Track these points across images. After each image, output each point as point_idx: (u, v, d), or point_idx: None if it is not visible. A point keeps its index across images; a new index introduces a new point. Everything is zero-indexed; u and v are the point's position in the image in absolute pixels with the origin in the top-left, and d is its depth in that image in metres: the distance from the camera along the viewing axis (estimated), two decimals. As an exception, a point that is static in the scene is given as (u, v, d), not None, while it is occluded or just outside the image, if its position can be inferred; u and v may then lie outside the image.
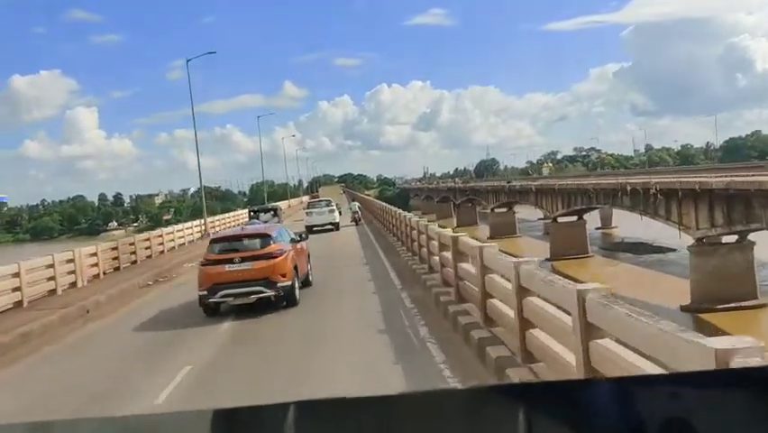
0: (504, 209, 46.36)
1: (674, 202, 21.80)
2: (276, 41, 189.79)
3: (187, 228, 29.08)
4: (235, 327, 10.29)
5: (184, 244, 26.80)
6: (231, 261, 10.77)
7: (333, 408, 0.74)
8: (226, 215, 40.14)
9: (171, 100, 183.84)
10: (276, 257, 10.89)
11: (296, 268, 11.33)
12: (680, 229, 22.02)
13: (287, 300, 10.93)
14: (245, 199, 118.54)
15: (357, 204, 34.60)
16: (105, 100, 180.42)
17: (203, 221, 30.11)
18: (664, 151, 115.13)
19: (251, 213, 29.16)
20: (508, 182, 49.03)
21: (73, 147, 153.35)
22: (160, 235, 24.89)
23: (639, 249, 33.79)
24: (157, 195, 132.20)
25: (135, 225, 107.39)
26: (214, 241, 11.97)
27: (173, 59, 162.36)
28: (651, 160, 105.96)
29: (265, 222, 23.62)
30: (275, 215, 28.20)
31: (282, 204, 62.18)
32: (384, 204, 30.96)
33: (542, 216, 61.50)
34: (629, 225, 35.63)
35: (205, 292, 10.73)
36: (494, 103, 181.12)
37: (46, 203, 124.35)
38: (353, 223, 29.57)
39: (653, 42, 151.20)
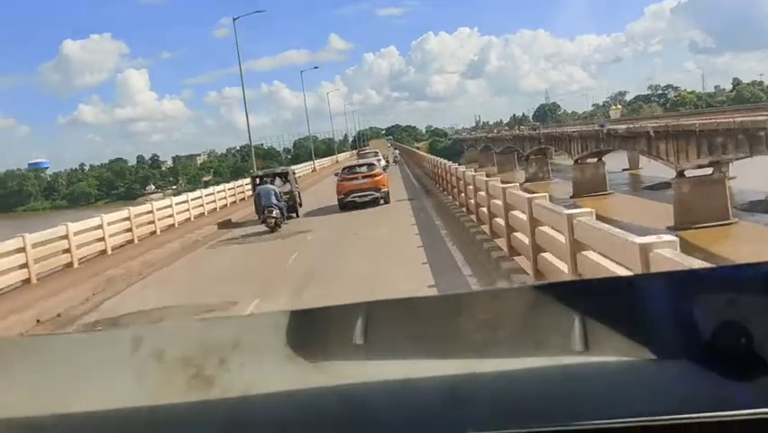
0: (593, 160, 40.59)
1: None
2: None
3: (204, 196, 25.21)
4: (347, 214, 19.85)
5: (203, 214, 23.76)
6: (356, 178, 20.77)
7: (403, 307, 0.83)
8: (239, 182, 31.95)
9: (219, 59, 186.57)
10: (378, 176, 21.02)
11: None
12: None
13: (384, 200, 20.74)
14: (289, 157, 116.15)
15: (398, 151, 57.75)
16: (154, 62, 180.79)
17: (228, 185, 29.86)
18: (755, 85, 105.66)
19: (256, 180, 20.87)
20: (601, 125, 42.62)
21: (126, 110, 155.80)
22: (169, 206, 21.30)
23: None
24: (198, 155, 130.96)
25: (174, 187, 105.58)
26: (344, 168, 22.60)
27: (219, 17, 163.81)
28: (740, 96, 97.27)
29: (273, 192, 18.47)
30: (285, 181, 20.33)
31: (311, 164, 58.22)
32: (435, 158, 26.88)
33: (627, 167, 56.55)
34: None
35: (342, 196, 20.61)
36: (544, 47, 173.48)
37: (85, 167, 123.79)
38: (394, 163, 47.47)
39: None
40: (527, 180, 47.70)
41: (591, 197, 35.98)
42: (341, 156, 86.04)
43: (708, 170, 26.10)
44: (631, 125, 37.37)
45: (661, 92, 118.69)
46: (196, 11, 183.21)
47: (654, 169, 36.08)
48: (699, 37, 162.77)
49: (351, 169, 21.90)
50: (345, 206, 20.20)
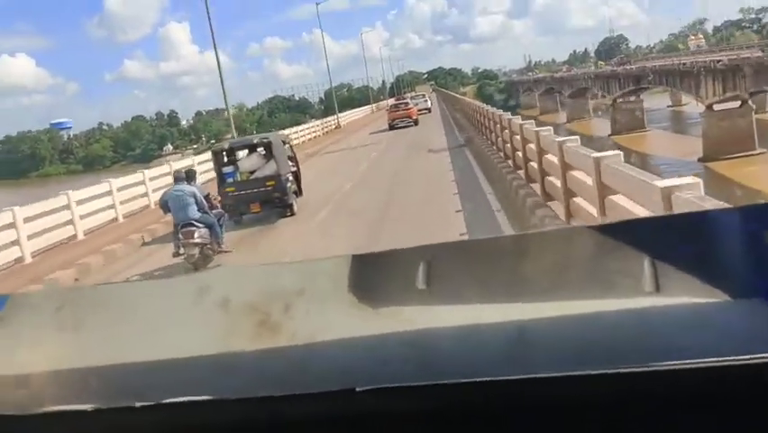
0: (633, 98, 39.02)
1: None
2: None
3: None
4: (395, 132, 35.53)
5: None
6: (398, 110, 40.98)
7: (467, 250, 0.89)
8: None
9: (258, 8, 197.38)
10: (411, 108, 40.71)
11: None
12: None
13: (415, 123, 38.67)
14: (322, 107, 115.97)
15: (428, 101, 56.48)
16: (195, 14, 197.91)
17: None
18: None
19: (221, 157, 14.28)
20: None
21: (170, 64, 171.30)
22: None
23: None
24: (225, 110, 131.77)
25: (195, 147, 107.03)
26: (391, 106, 44.34)
27: None
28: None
29: (249, 171, 13.91)
30: (268, 157, 14.09)
31: (335, 119, 49.77)
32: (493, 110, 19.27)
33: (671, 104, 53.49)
34: None
35: (390, 121, 39.29)
36: None
37: (104, 127, 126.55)
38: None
39: None
40: (615, 133, 41.97)
41: (631, 134, 39.76)
42: (381, 105, 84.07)
43: (736, 104, 26.29)
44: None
45: (754, 16, 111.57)
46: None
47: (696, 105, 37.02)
48: None
49: (396, 105, 43.10)
50: (393, 127, 38.34)
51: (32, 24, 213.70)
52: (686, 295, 0.74)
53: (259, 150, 14.71)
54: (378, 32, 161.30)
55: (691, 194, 4.07)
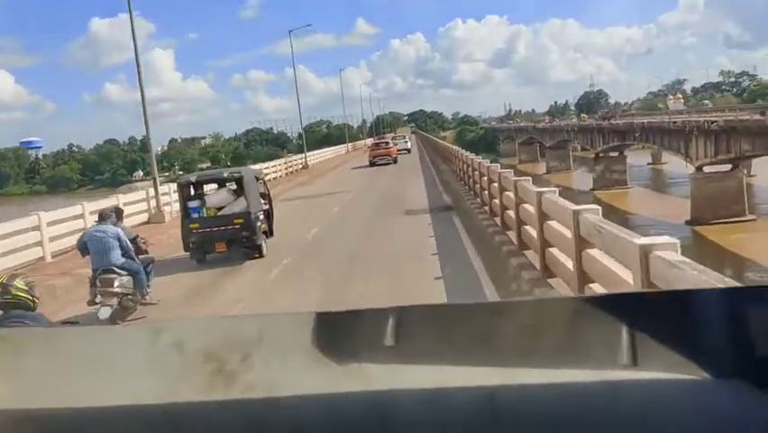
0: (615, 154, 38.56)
1: None
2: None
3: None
4: (374, 169, 39.16)
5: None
6: (379, 148, 44.93)
7: (437, 312, 0.86)
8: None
9: (244, 41, 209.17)
10: (391, 148, 44.98)
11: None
12: None
13: (394, 161, 42.44)
14: (300, 142, 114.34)
15: (408, 141, 62.66)
16: (181, 42, 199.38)
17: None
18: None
19: (188, 190, 13.10)
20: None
21: (150, 89, 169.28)
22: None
23: None
24: (204, 138, 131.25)
25: (167, 174, 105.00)
26: (373, 144, 49.82)
27: None
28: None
29: (216, 207, 12.72)
30: (239, 193, 13.00)
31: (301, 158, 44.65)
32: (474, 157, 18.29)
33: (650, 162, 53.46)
34: None
35: (371, 159, 42.87)
36: (574, 37, 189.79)
37: (74, 148, 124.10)
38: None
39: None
40: (597, 188, 41.24)
41: (613, 190, 39.34)
42: (357, 144, 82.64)
43: (727, 167, 25.07)
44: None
45: (734, 80, 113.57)
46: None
47: (679, 164, 36.98)
48: (735, 30, 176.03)
49: (377, 144, 47.22)
50: (373, 164, 41.55)
51: (17, 41, 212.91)
52: (664, 371, 0.73)
53: (228, 184, 13.61)
54: (361, 71, 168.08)
55: (669, 254, 4.01)
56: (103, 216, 9.37)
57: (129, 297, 9.02)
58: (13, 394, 0.81)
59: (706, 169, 28.02)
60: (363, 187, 27.80)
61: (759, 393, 0.70)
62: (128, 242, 9.14)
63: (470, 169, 17.84)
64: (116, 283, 8.84)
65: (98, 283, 8.83)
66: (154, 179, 20.51)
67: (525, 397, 0.73)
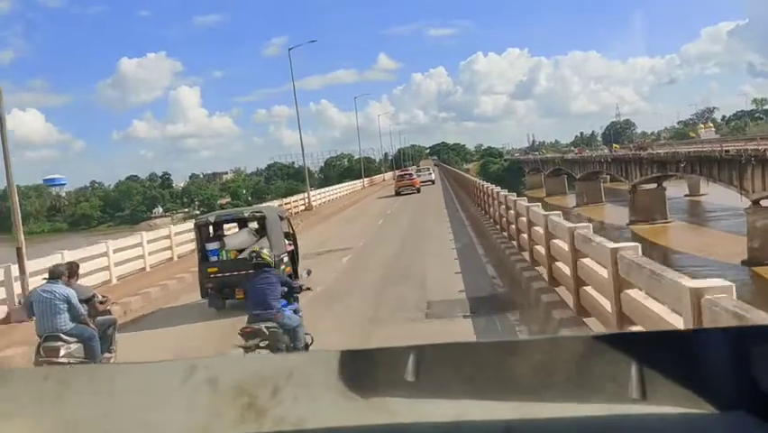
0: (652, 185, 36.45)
1: None
2: (371, 13, 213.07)
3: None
4: (391, 211, 32.12)
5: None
6: (404, 179, 50.14)
7: (455, 350, 0.89)
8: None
9: (269, 78, 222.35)
10: (415, 179, 50.46)
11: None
12: None
13: (417, 191, 46.90)
14: (322, 176, 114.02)
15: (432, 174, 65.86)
16: (206, 79, 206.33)
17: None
18: None
19: (206, 232, 12.22)
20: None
21: (177, 126, 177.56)
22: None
23: None
24: (225, 173, 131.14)
25: (186, 210, 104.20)
26: (399, 175, 55.03)
27: (270, 37, 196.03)
28: None
29: (237, 249, 11.62)
30: (261, 229, 12.13)
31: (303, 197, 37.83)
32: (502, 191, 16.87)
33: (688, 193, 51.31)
34: None
35: (397, 189, 47.81)
36: (595, 69, 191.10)
37: (96, 185, 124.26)
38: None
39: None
40: (634, 222, 38.79)
41: (652, 224, 36.78)
42: (375, 179, 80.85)
43: None
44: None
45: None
46: (248, 29, 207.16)
47: (720, 196, 36.08)
48: (758, 60, 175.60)
49: (401, 176, 51.67)
50: (399, 193, 45.05)
51: (47, 81, 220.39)
52: (672, 405, 0.76)
53: (250, 225, 12.82)
54: (383, 105, 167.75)
55: (725, 299, 3.69)
56: (53, 275, 7.95)
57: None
58: (56, 429, 0.85)
59: (764, 202, 25.37)
60: (368, 242, 20.38)
61: (763, 425, 0.73)
62: (78, 304, 7.81)
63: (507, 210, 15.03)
64: (62, 352, 7.60)
65: (41, 352, 7.58)
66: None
67: (540, 430, 0.76)
